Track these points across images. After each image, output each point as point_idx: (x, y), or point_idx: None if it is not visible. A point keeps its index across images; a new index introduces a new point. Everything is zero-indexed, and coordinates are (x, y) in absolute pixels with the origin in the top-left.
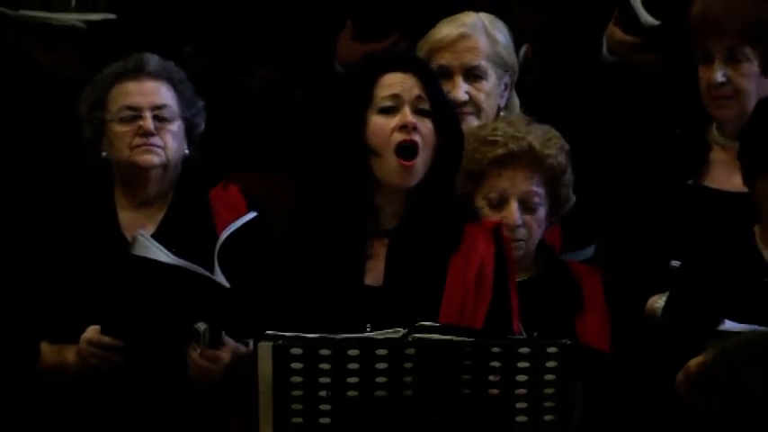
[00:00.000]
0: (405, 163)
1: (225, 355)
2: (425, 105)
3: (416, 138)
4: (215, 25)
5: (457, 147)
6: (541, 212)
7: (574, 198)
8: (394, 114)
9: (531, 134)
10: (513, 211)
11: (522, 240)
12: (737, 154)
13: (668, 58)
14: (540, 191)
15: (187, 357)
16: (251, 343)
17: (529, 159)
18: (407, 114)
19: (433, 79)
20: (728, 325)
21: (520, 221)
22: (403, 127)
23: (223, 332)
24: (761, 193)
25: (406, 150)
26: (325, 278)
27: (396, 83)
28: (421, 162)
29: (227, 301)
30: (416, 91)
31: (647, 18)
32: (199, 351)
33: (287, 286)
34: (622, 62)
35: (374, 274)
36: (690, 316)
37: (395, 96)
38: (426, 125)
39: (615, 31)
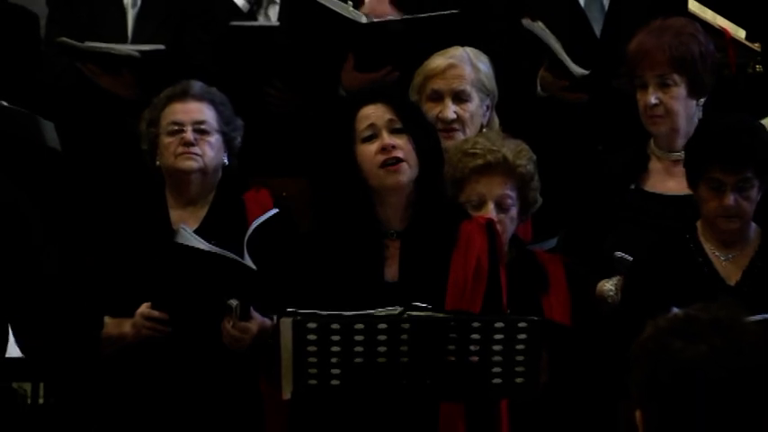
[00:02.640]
0: (390, 168)
1: (253, 326)
2: (398, 125)
3: (397, 153)
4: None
5: (435, 150)
6: (513, 212)
7: (540, 200)
8: (374, 141)
9: (505, 147)
10: (490, 210)
11: None
12: (683, 163)
13: (596, 96)
14: (513, 194)
15: (222, 328)
16: (275, 318)
17: (503, 168)
18: (385, 138)
19: (401, 102)
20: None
21: (496, 220)
22: (383, 149)
23: (251, 308)
24: (702, 196)
25: (390, 164)
26: (351, 276)
27: (370, 114)
28: (406, 166)
29: (254, 281)
30: (388, 115)
31: (576, 69)
32: (231, 323)
33: (316, 283)
34: (554, 97)
35: (391, 271)
36: (642, 303)
37: (371, 126)
38: (403, 140)
39: (546, 76)
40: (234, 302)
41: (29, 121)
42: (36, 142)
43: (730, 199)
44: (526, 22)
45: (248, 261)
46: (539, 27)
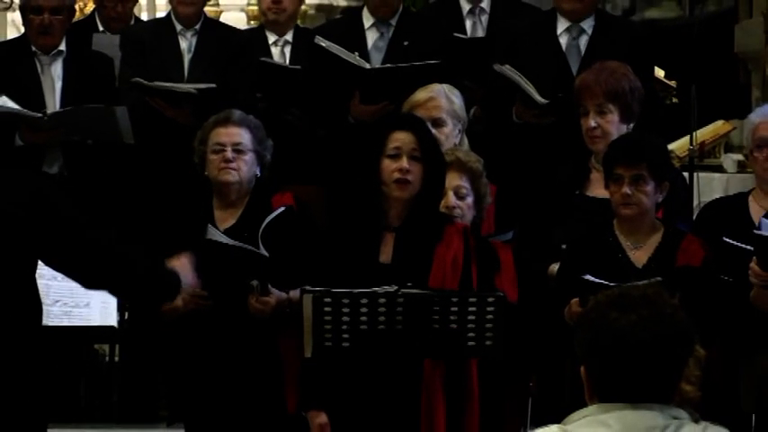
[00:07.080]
0: (400, 185)
1: (272, 300)
2: (418, 154)
3: (408, 177)
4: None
5: (439, 175)
6: (470, 200)
7: (490, 199)
8: (396, 159)
9: (459, 152)
10: (451, 197)
11: (457, 217)
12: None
13: (559, 117)
14: (467, 185)
15: (248, 302)
16: (290, 292)
17: (457, 165)
18: (404, 162)
19: (424, 135)
20: (588, 277)
21: (455, 204)
22: (400, 170)
23: (269, 285)
24: (611, 191)
25: (401, 182)
26: (352, 257)
27: (399, 139)
28: (412, 187)
29: (268, 266)
30: (413, 145)
31: (540, 99)
32: (255, 299)
33: (327, 263)
34: (526, 123)
35: (385, 255)
36: (571, 278)
37: (397, 148)
38: (417, 166)
39: (518, 107)
40: (255, 282)
41: (104, 114)
42: (112, 137)
43: (627, 189)
44: (496, 66)
45: (263, 250)
46: (507, 69)
